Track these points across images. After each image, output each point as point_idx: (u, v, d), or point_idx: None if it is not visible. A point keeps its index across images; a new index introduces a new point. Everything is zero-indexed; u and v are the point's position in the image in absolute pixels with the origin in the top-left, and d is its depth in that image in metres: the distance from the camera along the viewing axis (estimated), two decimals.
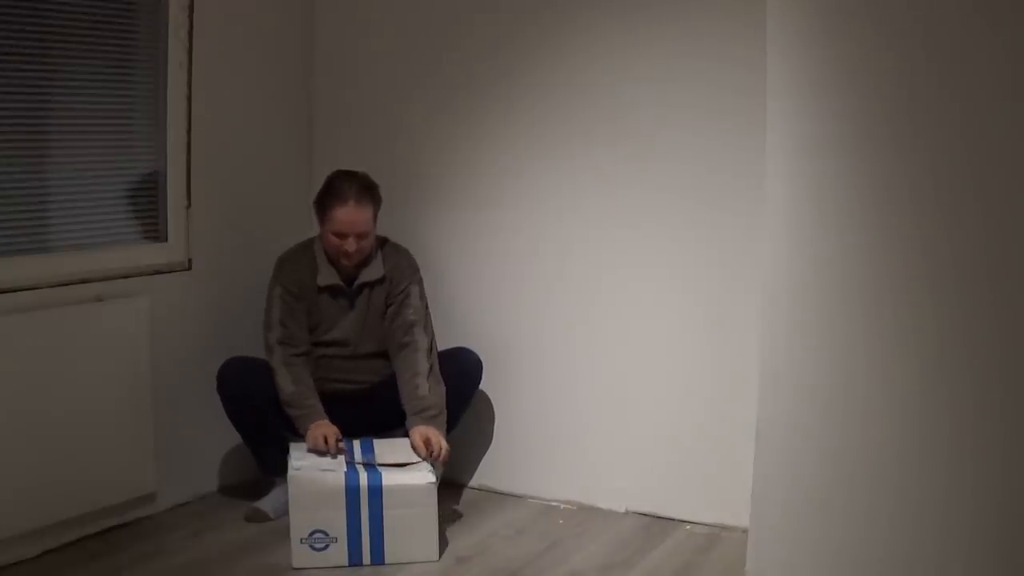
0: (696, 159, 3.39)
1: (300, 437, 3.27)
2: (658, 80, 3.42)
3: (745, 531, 2.77)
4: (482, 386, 3.65)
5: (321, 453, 3.17)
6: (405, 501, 3.06)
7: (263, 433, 3.36)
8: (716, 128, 3.34)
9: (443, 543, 3.19)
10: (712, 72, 3.33)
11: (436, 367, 3.37)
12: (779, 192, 2.41)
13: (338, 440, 3.20)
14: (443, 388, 3.34)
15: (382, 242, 3.50)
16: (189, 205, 3.51)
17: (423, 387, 3.30)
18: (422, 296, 3.48)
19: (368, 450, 3.21)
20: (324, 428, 3.21)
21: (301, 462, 3.11)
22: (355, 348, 3.46)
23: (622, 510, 3.57)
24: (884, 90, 2.10)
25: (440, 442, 3.20)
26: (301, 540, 3.02)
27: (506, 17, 3.64)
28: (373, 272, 3.43)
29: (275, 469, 3.34)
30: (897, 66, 2.08)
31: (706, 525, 3.42)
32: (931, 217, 2.06)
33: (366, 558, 3.06)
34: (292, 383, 3.30)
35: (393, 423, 3.38)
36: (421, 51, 3.80)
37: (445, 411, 3.31)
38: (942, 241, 2.04)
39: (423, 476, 3.08)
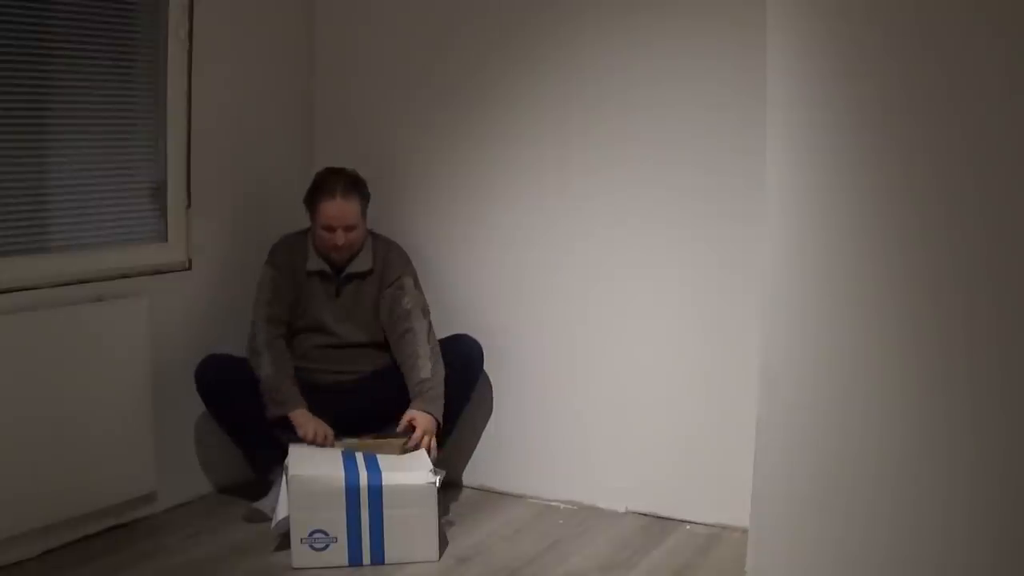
0: (696, 159, 3.39)
1: (291, 436, 3.28)
2: (658, 80, 3.42)
3: (745, 531, 2.77)
4: (482, 386, 3.65)
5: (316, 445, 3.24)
6: (405, 501, 3.06)
7: (249, 430, 3.37)
8: (716, 128, 3.34)
9: (443, 543, 3.19)
10: (712, 72, 3.33)
11: (437, 349, 3.42)
12: (779, 192, 2.41)
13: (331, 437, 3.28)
14: (443, 370, 3.38)
15: (372, 236, 3.54)
16: (189, 205, 3.52)
17: (425, 368, 3.36)
18: (416, 286, 3.52)
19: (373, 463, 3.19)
20: (316, 424, 3.28)
21: (298, 465, 3.10)
22: (342, 338, 3.49)
23: (622, 510, 3.57)
24: (884, 89, 2.10)
25: (424, 433, 3.25)
26: (301, 540, 3.02)
27: (506, 17, 3.64)
28: (362, 263, 3.48)
29: (267, 468, 3.35)
30: (897, 65, 2.08)
31: (706, 525, 3.42)
32: (932, 216, 2.05)
33: (366, 558, 3.06)
34: (271, 364, 3.35)
35: (385, 414, 3.38)
36: (421, 51, 3.80)
37: (443, 393, 3.35)
38: (943, 240, 2.04)
39: (423, 476, 3.08)
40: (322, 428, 3.28)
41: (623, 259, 3.54)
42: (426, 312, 3.49)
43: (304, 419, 3.29)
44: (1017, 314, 1.95)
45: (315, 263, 3.48)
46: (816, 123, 2.27)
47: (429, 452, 3.23)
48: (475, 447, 3.80)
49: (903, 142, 2.09)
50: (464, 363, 3.53)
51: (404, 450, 3.24)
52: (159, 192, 3.46)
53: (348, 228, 3.41)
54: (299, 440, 3.27)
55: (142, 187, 3.44)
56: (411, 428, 3.26)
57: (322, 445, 3.25)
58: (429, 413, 3.29)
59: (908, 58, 2.07)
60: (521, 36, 3.63)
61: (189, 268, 3.54)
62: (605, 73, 3.50)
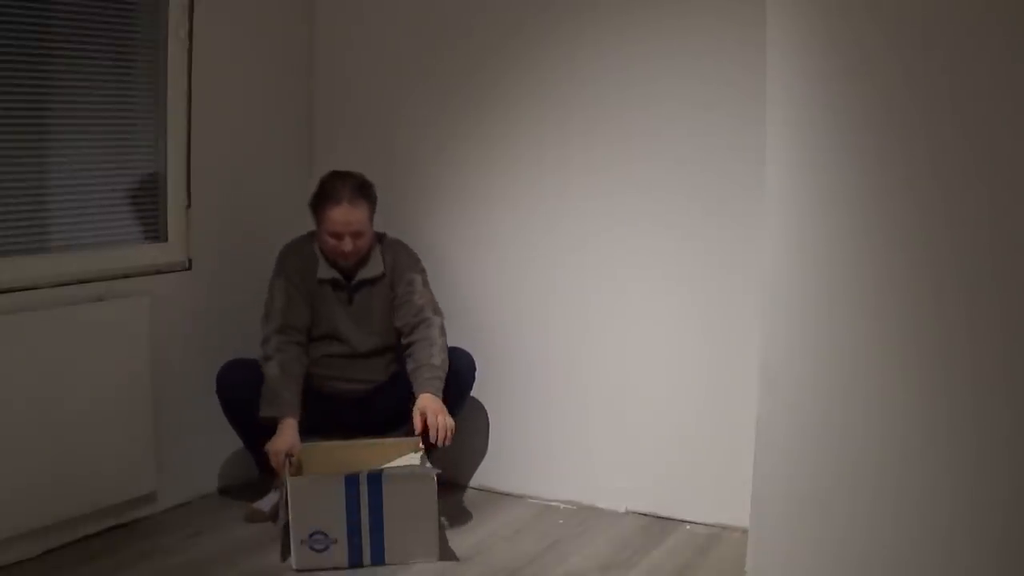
0: (696, 158, 3.38)
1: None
2: (657, 79, 3.42)
3: (745, 531, 2.77)
4: (482, 386, 3.64)
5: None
6: (405, 501, 3.05)
7: (263, 435, 3.35)
8: (716, 127, 3.34)
9: (443, 543, 3.18)
10: (712, 71, 3.33)
11: (446, 344, 3.39)
12: (779, 191, 2.41)
13: (291, 457, 3.15)
14: (447, 366, 3.35)
15: (380, 237, 3.51)
16: (189, 205, 3.51)
17: (438, 356, 3.33)
18: (426, 284, 3.50)
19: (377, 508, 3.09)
20: (287, 443, 3.15)
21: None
22: (356, 346, 3.46)
23: (622, 510, 3.57)
24: (884, 88, 2.10)
25: (443, 421, 3.18)
26: (301, 541, 3.02)
27: (505, 17, 3.64)
28: (372, 269, 3.45)
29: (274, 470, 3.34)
30: (898, 65, 2.08)
31: (706, 525, 3.42)
32: (932, 216, 2.05)
33: (366, 558, 3.06)
34: (278, 367, 3.27)
35: (394, 423, 3.39)
36: (420, 51, 3.80)
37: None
38: (943, 240, 2.04)
39: (424, 469, 3.08)
40: (282, 454, 3.13)
41: (623, 258, 3.54)
42: (437, 310, 3.46)
43: (285, 431, 3.18)
44: (1018, 313, 1.94)
45: (326, 271, 3.42)
46: (816, 122, 2.27)
47: (444, 439, 3.18)
48: (476, 447, 3.79)
49: (903, 141, 2.09)
50: (455, 374, 3.45)
51: (424, 447, 3.18)
52: (159, 192, 3.46)
53: (356, 235, 3.35)
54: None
55: (142, 187, 3.44)
56: (425, 426, 3.18)
57: (271, 467, 3.16)
58: (433, 394, 3.26)
59: (909, 57, 2.07)
60: (521, 36, 3.62)
61: (189, 268, 3.54)
62: (604, 73, 3.50)
